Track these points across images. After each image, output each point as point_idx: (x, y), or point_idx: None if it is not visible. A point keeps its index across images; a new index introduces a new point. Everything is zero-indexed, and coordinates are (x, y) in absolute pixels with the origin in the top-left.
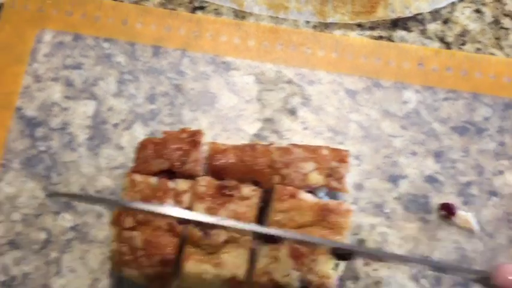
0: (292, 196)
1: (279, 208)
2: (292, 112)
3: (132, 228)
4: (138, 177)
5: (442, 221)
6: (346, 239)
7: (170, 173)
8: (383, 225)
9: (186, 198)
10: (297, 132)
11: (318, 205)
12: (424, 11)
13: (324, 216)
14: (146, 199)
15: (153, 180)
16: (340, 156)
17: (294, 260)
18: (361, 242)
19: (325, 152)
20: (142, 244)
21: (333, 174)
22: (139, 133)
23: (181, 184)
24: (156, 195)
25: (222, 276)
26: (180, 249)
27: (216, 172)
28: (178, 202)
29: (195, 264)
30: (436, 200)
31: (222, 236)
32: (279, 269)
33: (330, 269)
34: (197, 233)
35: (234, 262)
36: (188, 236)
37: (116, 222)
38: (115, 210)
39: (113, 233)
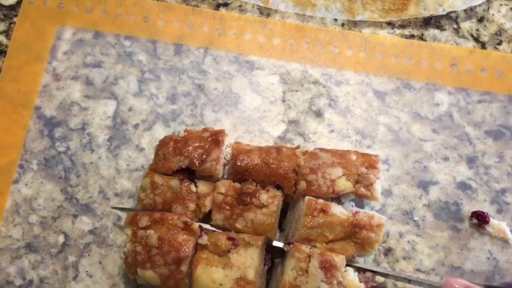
0: (324, 211)
1: (309, 224)
2: (319, 114)
3: (147, 227)
4: (158, 179)
5: (474, 230)
6: (375, 252)
7: (189, 172)
8: (412, 234)
9: (208, 201)
10: (323, 135)
11: (349, 221)
12: (458, 9)
13: (355, 232)
14: (168, 202)
15: (174, 182)
16: (370, 162)
17: (324, 272)
18: (389, 250)
19: (353, 157)
20: (158, 242)
21: (362, 181)
22: (160, 134)
23: (203, 186)
24: (178, 198)
25: (231, 277)
26: (195, 248)
27: (239, 173)
28: (200, 206)
29: (204, 268)
30: (468, 207)
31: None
32: (309, 281)
33: (359, 283)
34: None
35: (243, 262)
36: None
37: (132, 222)
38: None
39: (128, 234)
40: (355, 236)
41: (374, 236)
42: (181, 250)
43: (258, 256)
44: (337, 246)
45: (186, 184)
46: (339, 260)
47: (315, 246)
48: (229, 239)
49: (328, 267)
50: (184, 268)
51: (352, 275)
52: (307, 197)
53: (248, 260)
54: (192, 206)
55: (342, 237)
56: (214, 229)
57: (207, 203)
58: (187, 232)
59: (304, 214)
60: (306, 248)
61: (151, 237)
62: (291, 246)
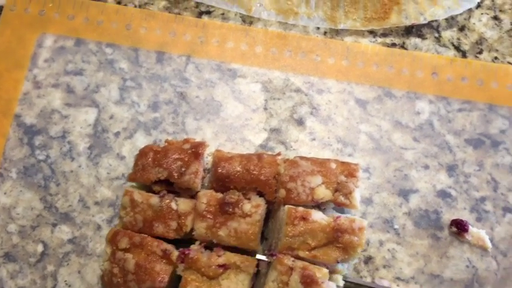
0: (304, 219)
1: (291, 232)
2: (300, 122)
3: (126, 250)
4: (138, 197)
5: (454, 238)
6: (359, 256)
7: (168, 183)
8: (392, 242)
9: (189, 221)
10: (304, 143)
11: (330, 226)
12: (440, 18)
13: (337, 237)
14: (149, 220)
15: (154, 200)
16: (349, 170)
17: (304, 287)
18: (369, 259)
19: (333, 165)
20: (134, 268)
21: (341, 189)
22: (141, 142)
23: (183, 205)
24: (159, 217)
25: None
26: (172, 277)
27: (220, 180)
28: (181, 225)
29: None
30: (448, 216)
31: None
32: None
33: None
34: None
35: None
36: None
37: (112, 241)
38: (113, 227)
39: (107, 251)
40: (338, 240)
41: (356, 240)
42: (157, 280)
43: (248, 283)
44: (320, 252)
45: (166, 202)
46: (321, 275)
47: (298, 255)
48: (220, 266)
49: (308, 282)
50: None
51: None
52: (287, 206)
53: (239, 286)
54: (173, 224)
55: (325, 243)
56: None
57: (188, 223)
58: (166, 261)
59: (285, 223)
60: (288, 261)
61: (129, 262)
62: (274, 257)
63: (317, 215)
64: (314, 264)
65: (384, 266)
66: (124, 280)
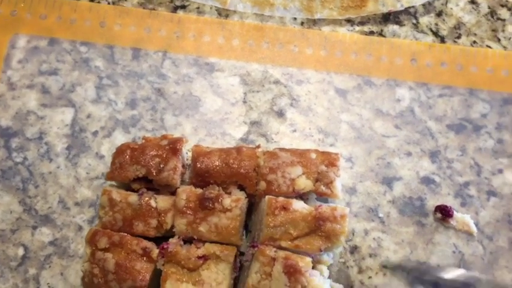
0: (285, 208)
1: (272, 223)
2: (280, 114)
3: (106, 250)
4: (116, 196)
5: (439, 224)
6: (342, 244)
7: (147, 180)
8: (377, 230)
9: (169, 218)
10: (285, 135)
11: (311, 215)
12: (417, 4)
13: (319, 226)
14: (128, 219)
15: (133, 198)
16: (330, 160)
17: (288, 277)
18: (355, 248)
19: (313, 155)
20: (114, 268)
21: (322, 179)
22: (120, 140)
23: (163, 202)
24: (139, 215)
25: None
26: (154, 274)
27: (200, 175)
28: (162, 222)
29: (174, 284)
30: (432, 202)
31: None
32: (272, 286)
33: (326, 286)
34: (178, 248)
35: (215, 278)
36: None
37: (91, 241)
38: (93, 227)
39: (87, 252)
40: (320, 229)
41: (339, 228)
42: (138, 279)
43: (229, 272)
44: (302, 242)
45: (145, 200)
46: (304, 264)
47: (280, 246)
48: (200, 257)
49: (292, 272)
50: None
51: (318, 280)
52: (267, 196)
53: (220, 276)
54: (153, 222)
55: (307, 232)
56: None
57: (168, 220)
58: (146, 259)
59: (266, 214)
60: (270, 252)
61: (109, 261)
62: (256, 249)
63: (298, 205)
64: (297, 252)
65: (370, 255)
66: (105, 280)
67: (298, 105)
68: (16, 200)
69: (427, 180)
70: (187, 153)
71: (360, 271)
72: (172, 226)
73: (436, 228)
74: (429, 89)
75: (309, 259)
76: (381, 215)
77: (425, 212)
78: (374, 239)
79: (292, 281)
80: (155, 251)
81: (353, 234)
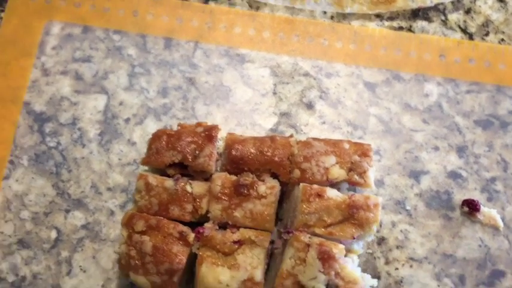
0: (319, 196)
1: (306, 209)
2: (310, 106)
3: (143, 233)
4: (152, 180)
5: (466, 218)
6: (374, 233)
7: (182, 166)
8: (404, 223)
9: (204, 203)
10: (314, 127)
11: (345, 203)
12: (446, 1)
13: (352, 214)
14: (164, 203)
15: (169, 183)
16: (363, 150)
17: (322, 263)
18: (382, 240)
19: (346, 145)
20: (152, 250)
21: (355, 169)
22: (152, 128)
23: (198, 188)
24: (174, 199)
25: (238, 278)
26: (189, 259)
27: (234, 162)
28: (197, 207)
29: (209, 268)
30: (459, 196)
31: (237, 235)
32: (306, 271)
33: (358, 274)
34: (214, 233)
35: (250, 263)
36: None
37: (127, 224)
38: (128, 210)
39: (123, 234)
40: (353, 217)
41: (372, 216)
42: (175, 262)
43: (264, 257)
44: (336, 229)
45: (181, 185)
46: (338, 250)
47: (314, 232)
48: (235, 242)
49: (326, 258)
50: (176, 279)
51: (350, 267)
52: (301, 184)
53: (255, 261)
54: (189, 207)
55: (340, 219)
56: None
57: (203, 205)
58: (183, 243)
59: (301, 200)
60: (305, 238)
61: (146, 244)
62: (290, 235)
63: (332, 192)
64: (330, 239)
65: (397, 247)
66: (142, 262)
67: (327, 97)
68: (49, 183)
69: (454, 175)
70: (218, 141)
71: (387, 262)
72: (207, 211)
73: (462, 222)
74: (457, 84)
75: (342, 246)
76: (408, 207)
77: (452, 205)
78: (401, 231)
79: (326, 267)
80: (191, 235)
81: (380, 226)
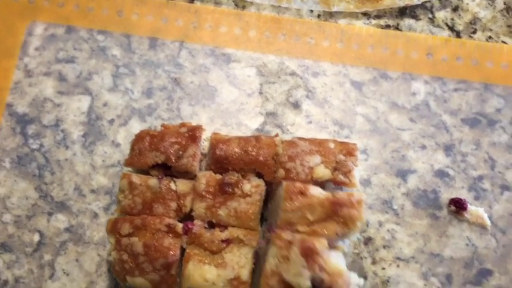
0: (302, 193)
1: (289, 207)
2: (296, 105)
3: (130, 235)
4: (136, 179)
5: (453, 217)
6: (359, 230)
7: (165, 167)
8: (391, 222)
9: (188, 201)
10: (301, 126)
11: (328, 200)
12: None
13: (335, 211)
14: (148, 202)
15: (153, 181)
16: (348, 149)
17: (305, 259)
18: (369, 239)
19: (331, 145)
20: (143, 249)
21: (340, 168)
22: (136, 129)
23: (182, 186)
24: (158, 198)
25: (225, 277)
26: (182, 249)
27: (219, 162)
28: (181, 206)
29: (196, 265)
30: (447, 195)
31: (225, 234)
32: (290, 269)
33: (343, 266)
34: (202, 231)
35: (238, 262)
36: (189, 235)
37: (113, 230)
38: (111, 217)
39: (112, 241)
40: (337, 214)
41: (356, 213)
42: (169, 255)
43: (252, 256)
44: (319, 227)
45: (165, 183)
46: (320, 244)
47: (297, 230)
48: (223, 241)
49: (309, 254)
50: (174, 271)
51: (334, 260)
52: (284, 182)
53: (242, 260)
54: (173, 205)
55: (324, 217)
56: None
57: (187, 203)
58: (173, 235)
59: (283, 198)
60: (287, 236)
61: (136, 244)
62: (273, 234)
63: (315, 190)
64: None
65: (384, 247)
66: (136, 263)
67: (314, 97)
68: (32, 186)
69: (441, 174)
70: (203, 142)
71: (374, 262)
72: (191, 210)
73: (449, 221)
74: (444, 83)
75: (324, 240)
76: (395, 207)
77: (439, 204)
78: (388, 230)
79: (310, 262)
80: (179, 226)
81: (367, 225)
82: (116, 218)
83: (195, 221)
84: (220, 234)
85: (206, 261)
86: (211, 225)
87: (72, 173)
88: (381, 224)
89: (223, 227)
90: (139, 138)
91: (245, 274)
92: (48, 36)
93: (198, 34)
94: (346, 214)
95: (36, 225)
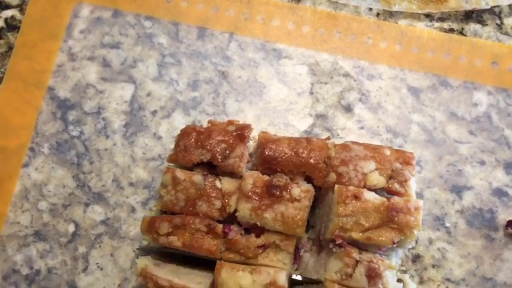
0: (356, 197)
1: (343, 212)
2: (348, 109)
3: (169, 234)
4: (180, 174)
5: (509, 240)
6: (415, 238)
7: (210, 166)
8: (443, 241)
9: (233, 201)
10: (351, 131)
11: (384, 205)
12: (503, 4)
13: (391, 217)
14: (191, 199)
15: (197, 178)
16: (405, 158)
17: (368, 280)
18: (417, 257)
19: (387, 152)
20: (183, 249)
21: (396, 177)
22: (179, 122)
23: (228, 184)
24: (202, 195)
25: (260, 282)
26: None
27: (267, 162)
28: (225, 205)
29: (229, 272)
30: (504, 216)
31: (261, 239)
32: (351, 285)
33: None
34: (238, 237)
35: (274, 267)
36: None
37: (149, 229)
38: (146, 215)
39: (147, 240)
40: (393, 221)
41: (413, 220)
42: (209, 256)
43: (289, 261)
44: (374, 234)
45: (210, 180)
46: (384, 267)
47: (351, 237)
48: (260, 247)
49: (373, 276)
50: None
51: (390, 280)
52: (337, 185)
53: (279, 265)
54: (217, 203)
55: (379, 223)
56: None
57: (232, 203)
58: (212, 235)
59: (336, 202)
60: (355, 255)
61: (176, 244)
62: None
63: (369, 195)
64: (367, 245)
65: (433, 266)
66: None
67: (367, 101)
68: (70, 174)
69: (499, 192)
70: (250, 141)
71: (421, 282)
72: (235, 210)
73: (505, 244)
74: (509, 95)
75: (388, 262)
76: (447, 224)
77: (496, 225)
78: (438, 249)
79: (371, 284)
80: (219, 227)
81: (416, 242)
82: (152, 216)
83: (232, 226)
84: (256, 240)
85: (240, 267)
86: (247, 230)
87: (111, 164)
88: (431, 241)
89: (259, 231)
90: (185, 133)
91: (282, 278)
92: (94, 19)
93: (248, 26)
94: (403, 221)
95: (72, 215)
